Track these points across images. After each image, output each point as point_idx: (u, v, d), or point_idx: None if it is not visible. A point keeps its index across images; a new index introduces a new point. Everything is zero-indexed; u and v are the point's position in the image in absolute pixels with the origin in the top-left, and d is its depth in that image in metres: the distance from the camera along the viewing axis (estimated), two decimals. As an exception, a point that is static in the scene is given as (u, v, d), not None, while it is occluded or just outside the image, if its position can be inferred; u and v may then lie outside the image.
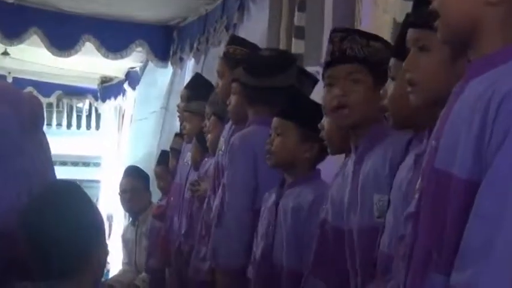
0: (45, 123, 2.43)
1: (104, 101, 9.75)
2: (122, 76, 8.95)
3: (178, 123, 5.22)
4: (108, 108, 9.88)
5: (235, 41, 3.93)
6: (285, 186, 2.97)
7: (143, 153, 7.69)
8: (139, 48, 7.24)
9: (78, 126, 15.79)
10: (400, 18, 2.64)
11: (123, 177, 6.10)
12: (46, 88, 9.75)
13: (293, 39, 4.41)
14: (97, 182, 10.65)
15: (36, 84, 9.46)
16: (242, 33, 5.05)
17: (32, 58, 8.19)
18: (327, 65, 2.47)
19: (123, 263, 6.13)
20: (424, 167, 1.67)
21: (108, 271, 6.49)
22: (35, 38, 6.80)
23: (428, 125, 1.88)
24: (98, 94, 9.89)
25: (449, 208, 1.50)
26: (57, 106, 15.17)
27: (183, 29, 7.09)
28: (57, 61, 7.65)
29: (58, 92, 10.23)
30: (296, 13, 4.41)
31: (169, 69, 7.43)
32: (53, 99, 10.73)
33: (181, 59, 7.05)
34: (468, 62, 1.59)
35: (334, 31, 2.49)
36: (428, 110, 1.88)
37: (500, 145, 1.41)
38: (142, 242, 5.77)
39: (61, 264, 1.86)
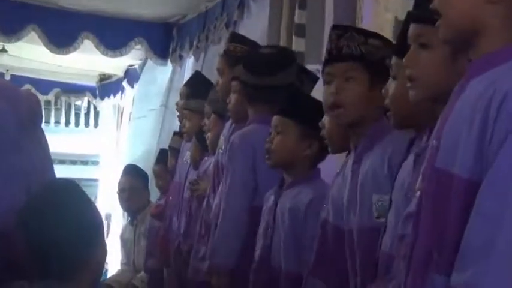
0: (43, 120, 2.43)
1: (102, 98, 9.74)
2: (120, 74, 8.95)
3: (178, 122, 5.22)
4: (106, 106, 9.88)
5: (236, 38, 3.92)
6: (284, 186, 2.97)
7: (142, 151, 7.69)
8: (139, 46, 7.24)
9: (77, 124, 15.83)
10: (402, 17, 2.64)
11: (121, 176, 6.10)
12: (44, 85, 9.75)
13: (293, 37, 4.41)
14: (95, 180, 10.65)
15: (34, 82, 9.46)
16: (242, 30, 5.04)
17: (30, 55, 8.19)
18: (325, 63, 2.48)
19: (122, 263, 6.13)
20: (424, 166, 1.67)
21: (106, 271, 6.49)
22: (33, 35, 6.80)
23: (428, 124, 1.88)
24: (97, 92, 9.89)
25: (450, 208, 1.50)
26: (55, 104, 15.20)
27: (183, 26, 7.08)
28: (55, 58, 7.64)
29: (56, 90, 10.23)
30: (297, 11, 4.41)
31: (169, 67, 7.42)
32: (51, 96, 10.75)
33: (180, 57, 7.05)
34: (469, 61, 1.59)
35: (332, 28, 2.50)
36: (427, 107, 1.88)
37: (501, 144, 1.42)
38: (141, 241, 5.77)
39: (59, 264, 1.86)
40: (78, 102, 15.23)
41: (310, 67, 3.71)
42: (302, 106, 2.97)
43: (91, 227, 1.93)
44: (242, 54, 3.68)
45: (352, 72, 2.40)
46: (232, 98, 3.56)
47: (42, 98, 9.25)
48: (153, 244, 5.30)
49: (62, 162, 13.15)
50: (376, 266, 2.11)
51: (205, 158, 4.27)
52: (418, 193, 1.80)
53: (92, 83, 9.86)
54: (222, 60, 3.83)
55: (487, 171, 1.43)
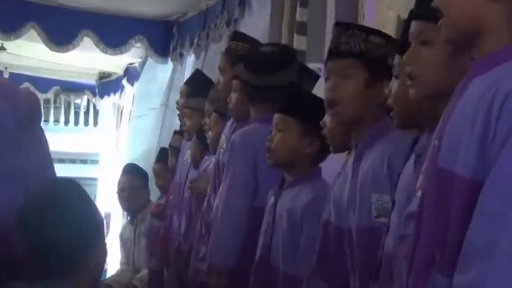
0: (43, 119, 2.42)
1: (102, 97, 9.74)
2: (120, 72, 8.95)
3: (178, 121, 5.22)
4: (106, 104, 9.88)
5: (238, 36, 3.92)
6: (285, 186, 2.97)
7: (142, 150, 7.69)
8: (139, 44, 7.24)
9: (76, 123, 15.82)
10: (404, 15, 2.63)
11: (121, 175, 6.10)
12: (43, 84, 9.75)
13: (295, 35, 4.41)
14: (94, 179, 10.66)
15: (34, 80, 9.46)
16: (243, 28, 5.05)
17: (29, 53, 8.18)
18: (326, 59, 2.49)
19: (121, 263, 6.13)
20: (426, 166, 1.67)
21: (105, 271, 6.49)
22: (32, 33, 6.79)
23: (429, 123, 1.89)
24: (96, 90, 9.89)
25: (452, 208, 1.50)
26: (55, 102, 15.19)
27: (183, 24, 7.08)
28: (54, 56, 7.64)
29: (55, 88, 10.23)
30: (298, 9, 4.41)
31: (169, 65, 7.42)
32: (50, 95, 10.73)
33: (181, 55, 7.05)
34: (471, 60, 1.59)
35: (334, 25, 2.50)
36: (428, 105, 1.88)
37: (503, 144, 1.42)
38: (141, 241, 5.77)
39: (59, 264, 1.86)
40: (78, 101, 15.22)
41: (311, 65, 3.72)
42: (303, 104, 2.97)
43: (91, 227, 1.93)
44: (244, 52, 3.68)
45: (350, 69, 2.40)
46: (233, 97, 3.56)
47: (41, 96, 9.24)
48: (154, 244, 5.30)
49: (61, 161, 13.14)
50: (378, 267, 2.11)
51: (206, 157, 4.27)
52: (419, 193, 1.80)
53: (92, 81, 9.86)
54: (223, 59, 3.83)
55: (490, 170, 1.43)
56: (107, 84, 9.57)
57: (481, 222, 1.42)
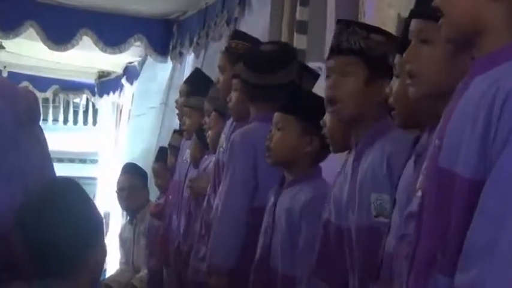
0: (41, 118, 2.42)
1: (101, 96, 9.75)
2: (119, 71, 8.95)
3: (177, 120, 5.22)
4: (105, 103, 9.89)
5: (238, 35, 3.93)
6: (285, 185, 2.97)
7: (141, 150, 7.69)
8: (138, 43, 7.24)
9: (75, 122, 15.81)
10: (405, 13, 2.64)
11: (120, 175, 6.10)
12: (42, 83, 9.75)
13: (295, 34, 4.41)
14: (94, 179, 10.66)
15: (32, 79, 9.46)
16: (243, 27, 5.04)
17: (28, 52, 8.18)
18: (328, 57, 2.49)
19: (121, 263, 6.13)
20: (426, 165, 1.67)
21: (105, 270, 6.49)
22: (31, 32, 6.79)
23: (429, 122, 1.89)
24: (95, 89, 9.89)
25: (453, 208, 1.50)
26: (54, 101, 15.20)
27: (183, 23, 7.08)
28: (53, 55, 7.64)
29: (54, 87, 10.23)
30: (298, 7, 4.41)
31: (169, 64, 7.42)
32: (49, 94, 10.75)
33: (180, 54, 7.05)
34: (472, 59, 1.59)
35: (336, 23, 2.50)
36: (428, 105, 1.88)
37: (505, 143, 1.42)
38: (140, 241, 5.77)
39: (58, 263, 1.86)
40: (77, 100, 15.22)
41: (312, 65, 3.72)
42: (303, 102, 2.97)
43: (90, 227, 1.93)
44: (244, 51, 3.68)
45: (350, 67, 2.40)
46: (233, 96, 3.56)
47: (40, 95, 9.24)
48: (153, 243, 5.30)
49: (60, 160, 13.14)
50: (379, 267, 2.11)
51: (206, 156, 4.27)
52: (419, 192, 1.80)
53: (91, 80, 9.87)
54: (223, 58, 3.83)
55: (491, 170, 1.43)
56: (106, 83, 9.57)
57: (482, 222, 1.42)
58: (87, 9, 6.92)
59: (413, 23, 1.90)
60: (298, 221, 2.82)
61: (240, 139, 3.34)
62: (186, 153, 4.66)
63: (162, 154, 5.61)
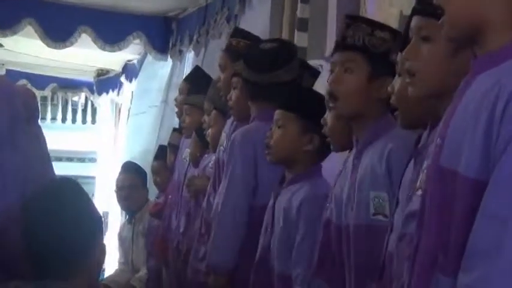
0: (40, 117, 2.42)
1: (100, 94, 9.74)
2: (118, 69, 8.95)
3: (177, 118, 5.22)
4: (104, 102, 9.88)
5: (239, 33, 3.92)
6: (285, 184, 2.97)
7: (140, 149, 7.69)
8: (137, 40, 7.23)
9: (74, 121, 15.82)
10: (407, 11, 2.63)
11: (120, 174, 6.10)
12: (40, 81, 9.75)
13: (296, 31, 4.41)
14: (92, 178, 10.66)
15: (30, 77, 9.46)
16: (243, 25, 5.04)
17: (26, 50, 8.18)
18: (333, 52, 2.49)
19: (119, 262, 6.13)
20: (428, 165, 1.67)
21: (103, 270, 6.49)
22: (29, 29, 6.79)
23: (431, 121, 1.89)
24: (94, 87, 9.89)
25: (455, 208, 1.50)
26: (52, 99, 15.21)
27: (183, 20, 7.08)
28: (52, 53, 7.64)
29: (53, 85, 10.23)
30: (299, 5, 4.41)
31: (169, 62, 7.42)
32: (47, 92, 10.74)
33: (180, 52, 7.04)
34: (474, 57, 1.59)
35: (344, 17, 2.50)
36: (429, 104, 1.88)
37: (507, 144, 1.42)
38: (139, 240, 5.77)
39: (57, 263, 1.86)
40: (75, 98, 15.24)
41: (312, 62, 3.71)
42: (304, 100, 2.97)
43: (89, 226, 1.93)
44: (245, 49, 3.67)
45: (352, 63, 2.40)
46: (233, 94, 3.56)
47: (38, 93, 9.25)
48: (152, 243, 5.30)
49: (58, 159, 13.13)
50: (382, 267, 2.11)
51: (206, 155, 4.27)
52: (419, 191, 1.80)
53: (90, 78, 9.86)
54: (224, 56, 3.82)
55: (493, 170, 1.43)
56: (105, 82, 9.57)
57: (485, 223, 1.42)
58: (86, 6, 6.91)
59: (414, 20, 1.89)
60: (295, 219, 2.82)
61: (240, 138, 3.34)
62: (185, 152, 4.66)
63: (161, 152, 5.61)
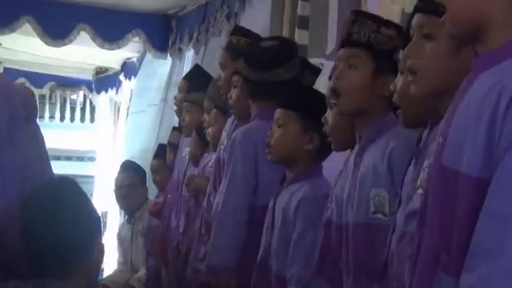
0: (38, 115, 2.42)
1: (98, 92, 9.73)
2: (117, 67, 8.94)
3: (177, 117, 5.22)
4: (103, 100, 9.87)
5: (239, 31, 3.92)
6: (285, 183, 2.97)
7: (140, 147, 7.68)
8: (136, 38, 7.23)
9: (72, 119, 15.81)
10: (409, 9, 2.64)
11: (119, 173, 6.10)
12: (39, 79, 9.75)
13: (296, 29, 4.41)
14: (91, 177, 10.65)
15: (29, 75, 9.46)
16: (243, 23, 5.04)
17: (24, 48, 8.18)
18: (339, 47, 2.49)
19: (119, 262, 6.13)
20: (430, 163, 1.67)
21: (102, 270, 6.49)
22: (27, 27, 6.79)
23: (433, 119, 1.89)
24: (93, 85, 9.88)
25: (458, 207, 1.50)
26: (50, 98, 15.20)
27: (182, 18, 7.07)
28: (50, 51, 7.63)
29: (51, 83, 10.22)
30: (300, 2, 4.41)
31: (168, 60, 7.41)
32: (45, 90, 10.74)
33: (180, 50, 7.04)
34: (476, 55, 1.59)
35: (351, 13, 2.50)
36: (431, 103, 1.88)
37: (510, 142, 1.42)
38: (139, 240, 5.77)
39: (56, 263, 1.86)
40: (74, 97, 15.23)
41: (313, 61, 3.71)
42: (305, 99, 2.97)
43: (88, 226, 1.93)
44: (245, 47, 3.67)
45: (355, 59, 2.40)
46: (234, 93, 3.56)
47: (36, 91, 9.23)
48: (152, 243, 5.30)
49: (57, 158, 13.13)
50: (384, 266, 2.11)
51: (206, 154, 4.27)
52: (420, 190, 1.80)
53: (88, 76, 9.85)
54: (224, 54, 3.82)
55: (496, 169, 1.43)
56: (103, 80, 9.56)
57: (488, 223, 1.42)
58: (85, 4, 6.91)
59: (416, 17, 1.89)
60: (292, 218, 2.82)
61: (241, 137, 3.34)
62: (185, 151, 4.66)
63: (161, 151, 5.61)
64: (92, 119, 14.27)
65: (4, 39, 7.59)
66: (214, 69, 4.32)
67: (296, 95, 3.01)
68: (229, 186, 3.30)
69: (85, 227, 1.92)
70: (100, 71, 9.55)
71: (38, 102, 2.73)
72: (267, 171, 3.23)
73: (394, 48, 2.33)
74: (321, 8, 4.15)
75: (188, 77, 4.91)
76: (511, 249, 1.38)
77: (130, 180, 5.93)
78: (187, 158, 4.59)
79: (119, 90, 9.02)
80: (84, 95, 12.84)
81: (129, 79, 8.53)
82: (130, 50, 7.79)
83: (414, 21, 1.89)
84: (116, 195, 6.05)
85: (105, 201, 8.53)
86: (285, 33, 4.52)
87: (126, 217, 6.10)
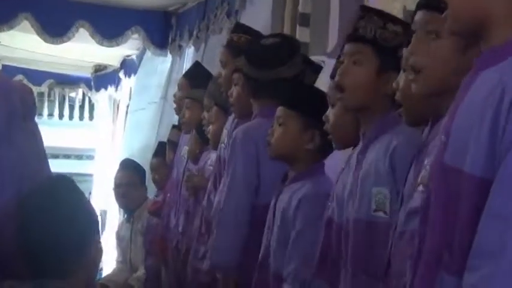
0: (36, 113, 2.42)
1: (97, 90, 9.73)
2: (117, 64, 8.94)
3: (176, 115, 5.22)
4: (102, 98, 9.87)
5: (240, 28, 3.92)
6: (287, 182, 2.97)
7: (139, 146, 7.68)
8: (136, 35, 7.22)
9: (71, 117, 15.81)
10: (411, 6, 2.63)
11: (118, 171, 6.10)
12: (37, 76, 9.74)
13: (298, 26, 4.40)
14: (90, 175, 10.65)
15: (27, 72, 9.45)
16: (244, 20, 5.03)
17: (22, 45, 8.17)
18: (344, 43, 2.50)
19: (117, 261, 6.13)
20: (432, 162, 1.67)
21: (101, 270, 6.50)
22: (25, 24, 6.78)
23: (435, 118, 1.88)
24: (92, 83, 9.87)
25: (461, 207, 1.50)
26: (49, 95, 15.19)
27: (182, 15, 7.07)
28: (49, 48, 7.63)
29: (50, 81, 10.21)
30: (301, -1, 4.41)
31: (168, 57, 7.41)
32: (44, 88, 10.72)
33: (180, 47, 7.04)
34: (480, 53, 1.59)
35: (358, 8, 2.50)
36: (434, 101, 1.87)
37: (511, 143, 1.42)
38: (138, 239, 5.77)
39: (53, 263, 1.86)
40: (73, 94, 15.22)
41: (314, 58, 3.71)
42: (306, 97, 2.97)
43: (85, 225, 1.93)
44: (246, 44, 3.66)
45: (360, 55, 2.40)
46: (234, 91, 3.55)
47: (35, 89, 9.22)
48: (151, 242, 5.30)
49: (55, 156, 13.14)
50: (387, 265, 2.11)
51: (205, 152, 4.27)
52: (420, 187, 1.80)
53: (87, 74, 9.85)
54: (225, 51, 3.81)
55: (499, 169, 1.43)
56: (102, 77, 9.56)
57: (490, 223, 1.42)
58: (83, 1, 6.90)
59: (419, 14, 1.89)
60: (292, 217, 2.82)
61: (241, 136, 3.33)
62: (184, 149, 4.66)
63: (161, 149, 5.60)
64: (91, 117, 14.27)
65: (2, 36, 7.58)
66: (214, 67, 4.32)
67: (297, 94, 3.01)
68: (231, 185, 3.30)
69: (82, 226, 1.92)
70: (99, 69, 9.55)
71: (36, 100, 2.73)
72: (269, 170, 3.22)
73: (399, 45, 2.33)
74: (323, 6, 4.14)
75: (188, 74, 4.91)
76: (510, 249, 1.38)
77: (130, 178, 5.93)
78: (185, 156, 4.59)
79: (118, 87, 9.02)
80: (83, 93, 12.82)
81: (129, 77, 8.52)
82: (129, 47, 7.79)
83: (418, 18, 1.89)
84: (115, 194, 6.05)
85: (104, 199, 8.53)
86: (286, 30, 4.52)
87: (125, 216, 6.10)
